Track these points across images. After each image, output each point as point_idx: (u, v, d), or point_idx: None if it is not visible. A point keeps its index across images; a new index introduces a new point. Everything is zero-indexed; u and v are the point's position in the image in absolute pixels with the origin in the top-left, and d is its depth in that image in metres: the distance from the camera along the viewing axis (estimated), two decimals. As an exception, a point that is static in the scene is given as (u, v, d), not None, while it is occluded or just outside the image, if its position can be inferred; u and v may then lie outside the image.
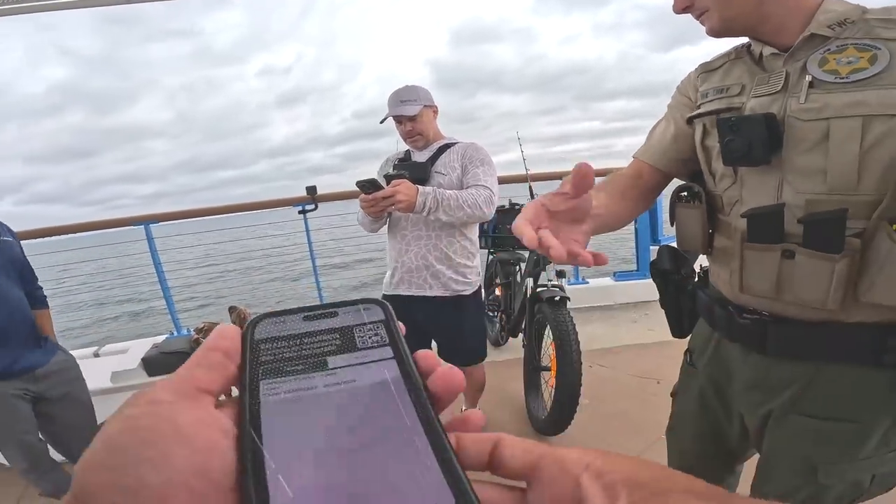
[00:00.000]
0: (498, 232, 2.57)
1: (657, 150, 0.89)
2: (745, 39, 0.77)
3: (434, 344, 1.80)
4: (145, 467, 0.16)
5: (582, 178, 0.56)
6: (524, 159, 2.65)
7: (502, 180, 2.27)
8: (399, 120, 1.63)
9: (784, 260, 0.67)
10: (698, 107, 0.81)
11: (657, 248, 1.03)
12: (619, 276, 3.65)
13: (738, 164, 0.72)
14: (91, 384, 1.93)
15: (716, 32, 0.72)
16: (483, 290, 1.95)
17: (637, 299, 3.57)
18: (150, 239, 2.98)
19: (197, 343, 2.15)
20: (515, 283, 2.71)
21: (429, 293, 1.66)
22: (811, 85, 0.64)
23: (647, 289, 3.61)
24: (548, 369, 2.00)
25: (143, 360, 2.13)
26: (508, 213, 2.30)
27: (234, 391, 0.22)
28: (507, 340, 2.71)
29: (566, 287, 2.09)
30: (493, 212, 1.58)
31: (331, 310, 0.25)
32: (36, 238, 2.57)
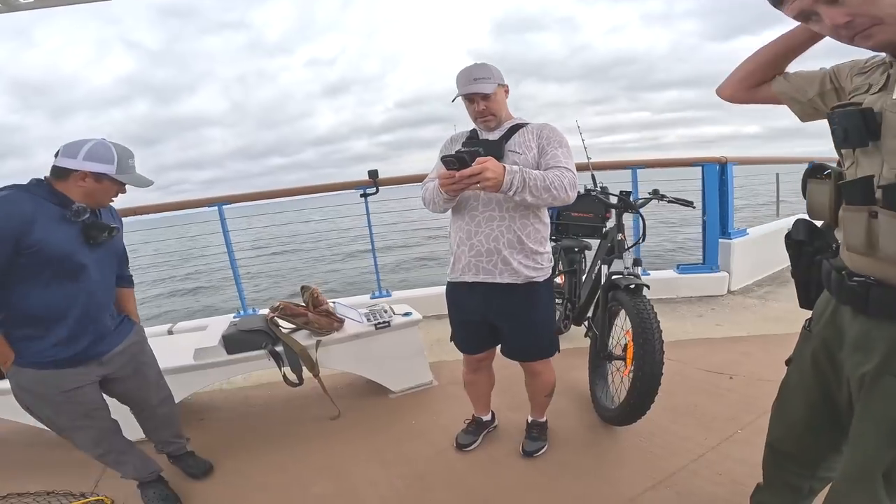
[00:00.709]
0: (562, 219, 2.52)
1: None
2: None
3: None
4: None
5: None
6: (585, 147, 2.58)
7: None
8: (471, 98, 1.54)
9: (871, 219, 0.79)
10: (846, 98, 0.92)
11: (796, 219, 1.07)
12: (683, 268, 3.52)
13: (840, 147, 0.86)
14: (171, 362, 2.02)
15: (882, 47, 0.79)
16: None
17: (702, 293, 3.43)
18: (223, 220, 3.12)
19: (272, 321, 2.23)
20: (581, 271, 2.66)
21: (498, 279, 1.57)
22: None
23: (713, 282, 3.48)
24: (620, 359, 1.96)
25: (223, 337, 2.16)
26: (582, 199, 2.24)
27: None
28: (568, 328, 2.68)
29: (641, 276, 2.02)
30: (576, 195, 1.49)
31: None
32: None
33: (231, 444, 2.07)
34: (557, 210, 2.48)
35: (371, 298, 3.40)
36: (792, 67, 1.07)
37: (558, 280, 2.76)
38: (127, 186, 1.47)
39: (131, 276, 1.80)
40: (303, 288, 2.38)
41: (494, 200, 1.53)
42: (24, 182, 1.37)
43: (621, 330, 2.09)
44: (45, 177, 1.39)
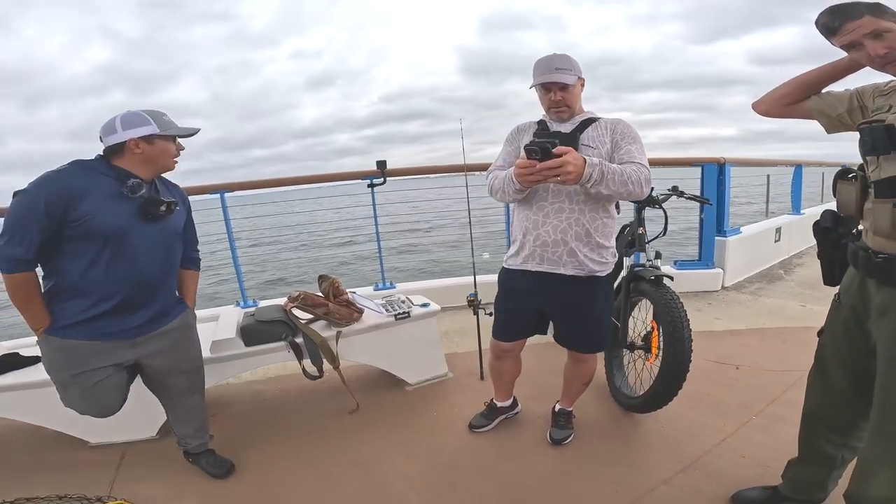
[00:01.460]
0: None
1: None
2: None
3: (551, 326, 1.74)
4: None
5: None
6: None
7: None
8: (549, 88, 1.52)
9: (894, 209, 0.98)
10: (869, 116, 1.11)
11: (822, 211, 1.25)
12: (681, 264, 3.64)
13: (867, 154, 1.05)
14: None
15: None
16: None
17: (699, 289, 3.56)
18: (224, 207, 3.01)
19: (290, 312, 2.17)
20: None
21: (561, 271, 1.56)
22: None
23: (709, 278, 3.61)
24: (642, 348, 2.01)
25: (241, 328, 2.07)
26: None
27: None
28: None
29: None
30: (649, 191, 1.51)
31: None
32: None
33: (250, 441, 2.00)
34: None
35: (374, 290, 3.36)
36: None
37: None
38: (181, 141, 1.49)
39: (198, 257, 1.76)
40: (321, 277, 2.33)
41: (564, 192, 1.52)
42: (90, 158, 1.39)
43: (641, 321, 2.15)
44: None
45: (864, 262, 1.08)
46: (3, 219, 1.32)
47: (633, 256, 2.12)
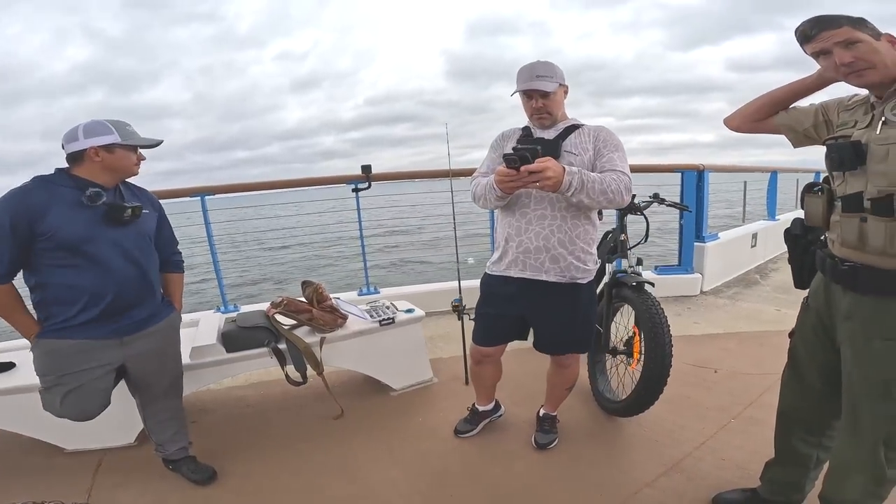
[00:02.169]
0: None
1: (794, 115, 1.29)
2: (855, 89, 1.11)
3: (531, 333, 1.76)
4: None
5: None
6: None
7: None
8: (530, 95, 1.53)
9: (861, 223, 1.03)
10: (834, 131, 1.16)
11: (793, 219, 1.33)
12: (661, 270, 3.71)
13: (834, 169, 1.09)
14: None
15: (869, 86, 1.04)
16: None
17: (678, 293, 3.63)
18: (204, 211, 2.95)
19: (272, 318, 2.14)
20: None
21: (544, 277, 1.58)
22: (884, 123, 1.00)
23: (688, 283, 3.69)
24: (624, 353, 2.04)
25: (222, 334, 2.04)
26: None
27: None
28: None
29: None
30: (630, 200, 1.51)
31: None
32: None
33: (232, 448, 1.96)
34: None
35: (359, 295, 3.34)
36: None
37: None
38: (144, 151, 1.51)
39: (180, 259, 1.76)
40: (304, 283, 2.30)
41: (547, 199, 1.53)
42: (50, 172, 1.42)
43: (622, 326, 2.19)
44: (66, 167, 1.44)
45: (830, 269, 1.13)
46: None
47: (615, 262, 2.16)
